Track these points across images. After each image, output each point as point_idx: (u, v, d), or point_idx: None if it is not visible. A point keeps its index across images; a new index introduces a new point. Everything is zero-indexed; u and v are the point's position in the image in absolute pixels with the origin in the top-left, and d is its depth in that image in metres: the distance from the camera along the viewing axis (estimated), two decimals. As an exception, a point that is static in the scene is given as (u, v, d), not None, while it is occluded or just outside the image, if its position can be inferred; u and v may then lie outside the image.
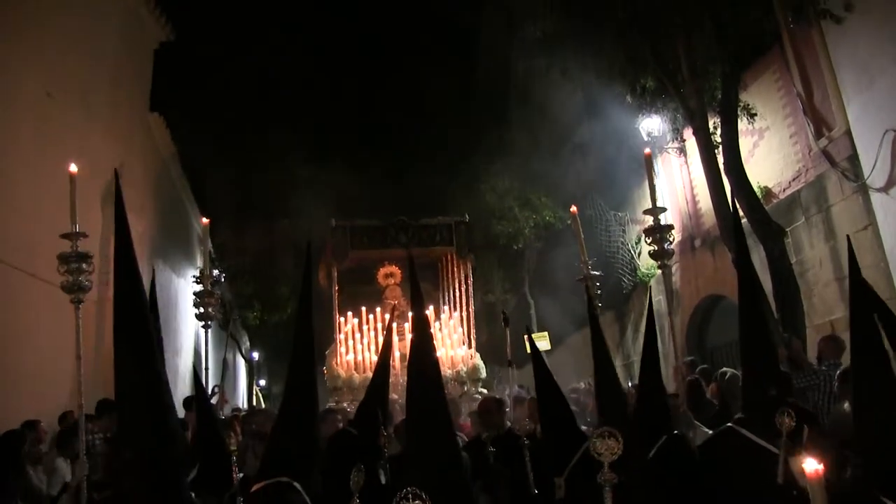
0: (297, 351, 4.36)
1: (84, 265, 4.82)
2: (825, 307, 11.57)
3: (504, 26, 13.01)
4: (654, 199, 5.85)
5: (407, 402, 4.48)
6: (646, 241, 5.87)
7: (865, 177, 10.51)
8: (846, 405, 6.15)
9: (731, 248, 10.45)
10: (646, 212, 5.69)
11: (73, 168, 5.02)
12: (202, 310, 6.65)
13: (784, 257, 10.20)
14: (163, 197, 17.94)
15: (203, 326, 6.68)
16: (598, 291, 6.36)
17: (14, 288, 10.71)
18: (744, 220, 10.73)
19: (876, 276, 10.48)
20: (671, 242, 5.83)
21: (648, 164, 6.24)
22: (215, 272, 21.02)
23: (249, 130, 21.27)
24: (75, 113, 13.02)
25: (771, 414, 4.13)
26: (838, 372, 7.13)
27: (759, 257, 10.63)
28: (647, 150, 6.31)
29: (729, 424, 4.69)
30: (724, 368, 8.76)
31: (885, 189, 10.20)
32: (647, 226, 5.84)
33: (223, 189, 20.87)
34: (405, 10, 19.30)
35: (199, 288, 6.78)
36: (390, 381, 12.08)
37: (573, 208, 6.86)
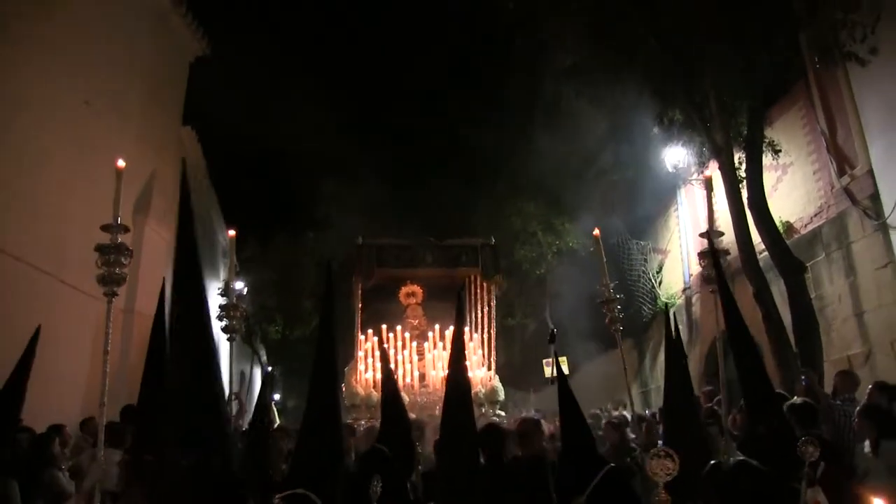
0: (320, 367, 4.48)
1: (122, 258, 4.68)
2: (843, 342, 11.63)
3: (535, 53, 13.13)
4: (711, 222, 5.76)
5: (442, 424, 4.70)
6: (700, 264, 5.78)
7: (886, 215, 10.59)
8: (867, 445, 6.20)
9: (752, 281, 10.57)
10: (702, 235, 5.61)
11: (121, 163, 4.91)
12: (226, 322, 6.55)
13: (804, 292, 10.27)
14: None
15: (228, 339, 6.58)
16: (620, 315, 6.23)
17: (41, 292, 10.97)
18: (765, 255, 10.86)
19: (894, 314, 10.56)
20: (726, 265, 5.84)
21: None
22: (239, 284, 21.38)
23: (280, 146, 21.56)
24: (111, 123, 13.36)
25: (784, 445, 4.18)
26: (857, 409, 7.18)
27: (779, 291, 10.75)
28: (596, 231, 6.50)
29: (742, 458, 4.51)
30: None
31: (904, 228, 10.30)
32: (701, 249, 5.67)
33: (250, 202, 21.17)
34: (438, 35, 19.62)
35: (223, 300, 6.85)
36: (408, 400, 12.24)
37: (596, 231, 6.73)
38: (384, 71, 21.59)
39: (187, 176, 4.57)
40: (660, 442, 6.79)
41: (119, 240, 4.72)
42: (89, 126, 12.59)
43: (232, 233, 7.64)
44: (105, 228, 4.71)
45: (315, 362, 4.51)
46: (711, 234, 5.51)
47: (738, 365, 4.70)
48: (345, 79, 21.54)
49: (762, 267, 10.80)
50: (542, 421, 9.77)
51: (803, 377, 8.37)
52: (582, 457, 5.27)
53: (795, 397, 8.39)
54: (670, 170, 14.32)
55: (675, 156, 14.02)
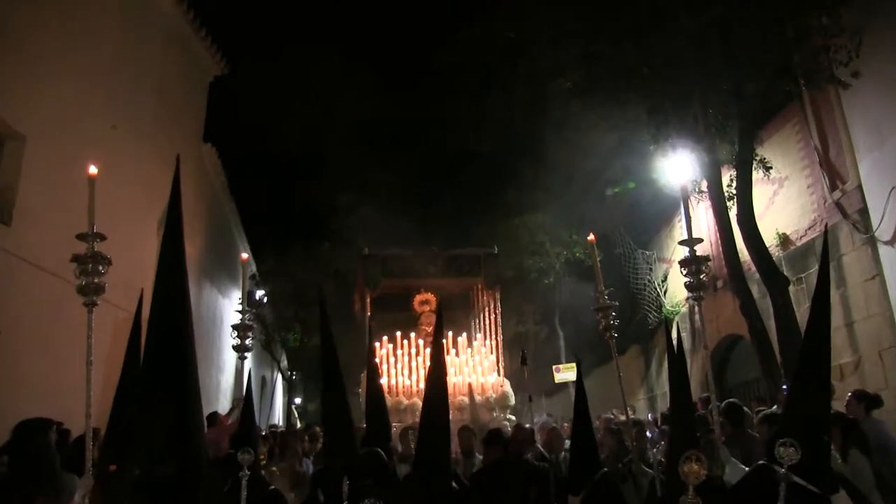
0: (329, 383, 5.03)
1: (100, 267, 4.54)
2: (834, 351, 11.98)
3: (537, 76, 13.70)
4: (690, 231, 5.67)
5: (419, 433, 4.95)
6: (681, 272, 5.70)
7: (874, 229, 11.08)
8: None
9: (738, 294, 11.11)
10: (681, 242, 5.56)
11: (93, 170, 4.70)
12: (239, 341, 6.47)
13: (788, 306, 10.71)
14: (213, 222, 18.97)
15: (239, 357, 6.53)
16: (614, 322, 6.17)
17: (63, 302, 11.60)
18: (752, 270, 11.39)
19: (881, 325, 11.05)
20: (707, 275, 5.73)
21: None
22: (259, 292, 22.10)
23: (295, 160, 22.29)
24: (135, 144, 13.99)
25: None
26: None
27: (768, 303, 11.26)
28: (591, 237, 6.67)
29: (762, 462, 4.61)
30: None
31: (891, 242, 10.77)
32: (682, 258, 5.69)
33: (269, 216, 21.87)
34: (448, 50, 20.16)
35: (236, 321, 6.84)
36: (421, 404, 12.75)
37: (591, 237, 6.82)
38: (394, 87, 22.18)
39: (179, 174, 4.30)
40: (654, 449, 7.23)
41: (96, 248, 4.56)
42: (115, 149, 13.23)
43: (245, 256, 8.03)
44: (81, 237, 4.59)
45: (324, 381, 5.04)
46: (691, 241, 5.41)
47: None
48: (357, 95, 22.09)
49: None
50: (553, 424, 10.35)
51: (784, 386, 8.86)
52: (584, 458, 5.79)
53: (775, 406, 8.96)
54: (672, 183, 14.78)
55: (677, 170, 14.52)
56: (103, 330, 11.66)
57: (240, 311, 6.82)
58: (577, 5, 11.16)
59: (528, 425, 10.52)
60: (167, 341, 3.73)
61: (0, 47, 10.27)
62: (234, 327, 6.30)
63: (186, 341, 3.77)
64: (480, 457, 8.13)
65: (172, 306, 3.79)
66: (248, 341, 6.42)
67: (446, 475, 4.88)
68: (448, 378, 13.77)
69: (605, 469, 5.99)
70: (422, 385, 13.78)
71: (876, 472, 6.86)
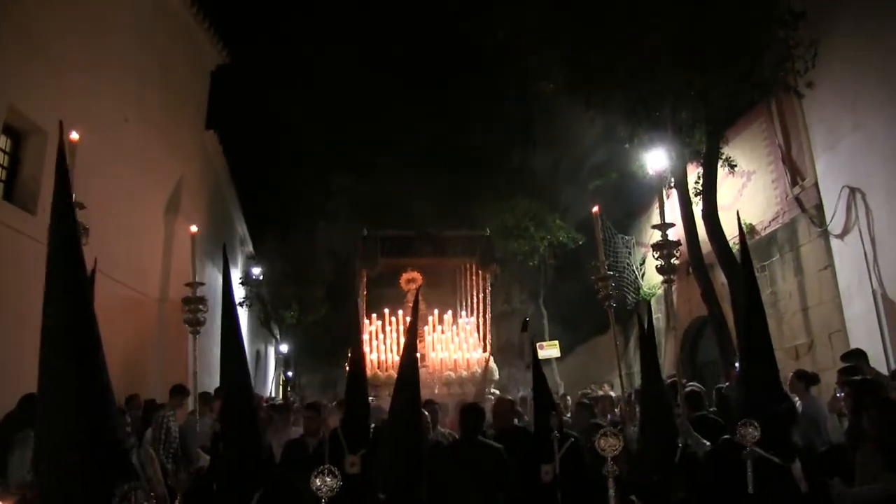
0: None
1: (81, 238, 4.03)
2: (792, 333, 13.18)
3: (524, 74, 14.55)
4: (662, 216, 6.09)
5: (391, 407, 5.43)
6: (653, 256, 6.02)
7: (827, 224, 12.08)
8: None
9: (699, 283, 12.18)
10: (654, 226, 5.92)
11: (75, 135, 4.79)
12: (191, 315, 6.20)
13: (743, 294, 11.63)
14: (214, 206, 19.85)
15: (191, 332, 6.18)
16: (612, 293, 6.37)
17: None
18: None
19: (832, 311, 12.10)
20: (678, 258, 6.06)
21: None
22: (255, 270, 23.00)
23: (294, 144, 23.08)
24: (144, 135, 14.83)
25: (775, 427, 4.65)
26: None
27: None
28: (595, 209, 6.89)
29: (726, 437, 5.07)
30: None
31: (841, 236, 11.78)
32: (654, 241, 6.04)
33: (267, 199, 22.74)
34: (442, 42, 20.97)
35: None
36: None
37: (595, 208, 6.88)
38: (390, 75, 22.95)
39: (64, 152, 3.76)
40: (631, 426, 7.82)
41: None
42: (126, 140, 14.08)
43: (194, 229, 7.21)
44: None
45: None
46: (664, 225, 5.96)
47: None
48: (354, 81, 22.90)
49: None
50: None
51: (736, 365, 9.87)
52: (547, 431, 6.19)
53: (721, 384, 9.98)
54: (651, 173, 15.65)
55: (654, 160, 15.43)
56: (111, 306, 12.57)
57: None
58: (560, 11, 11.96)
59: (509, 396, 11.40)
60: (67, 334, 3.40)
61: (24, 50, 11.09)
62: (185, 301, 6.27)
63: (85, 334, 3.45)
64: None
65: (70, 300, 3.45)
66: (198, 316, 6.20)
67: (417, 431, 5.47)
68: (436, 354, 14.73)
69: (573, 438, 6.45)
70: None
71: (809, 440, 7.93)
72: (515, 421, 8.30)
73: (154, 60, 15.55)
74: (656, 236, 6.01)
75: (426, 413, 7.52)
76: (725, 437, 5.11)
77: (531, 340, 16.55)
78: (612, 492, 4.26)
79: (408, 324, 6.48)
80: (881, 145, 10.80)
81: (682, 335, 17.22)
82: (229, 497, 4.83)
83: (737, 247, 12.81)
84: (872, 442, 5.05)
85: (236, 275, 22.48)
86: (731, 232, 12.69)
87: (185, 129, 17.39)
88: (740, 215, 8.07)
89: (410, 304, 16.05)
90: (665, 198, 7.92)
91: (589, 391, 14.13)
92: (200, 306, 6.01)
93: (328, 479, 3.47)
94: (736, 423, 4.66)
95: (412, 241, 16.24)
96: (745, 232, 14.27)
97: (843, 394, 7.41)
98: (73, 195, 4.17)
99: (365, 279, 15.94)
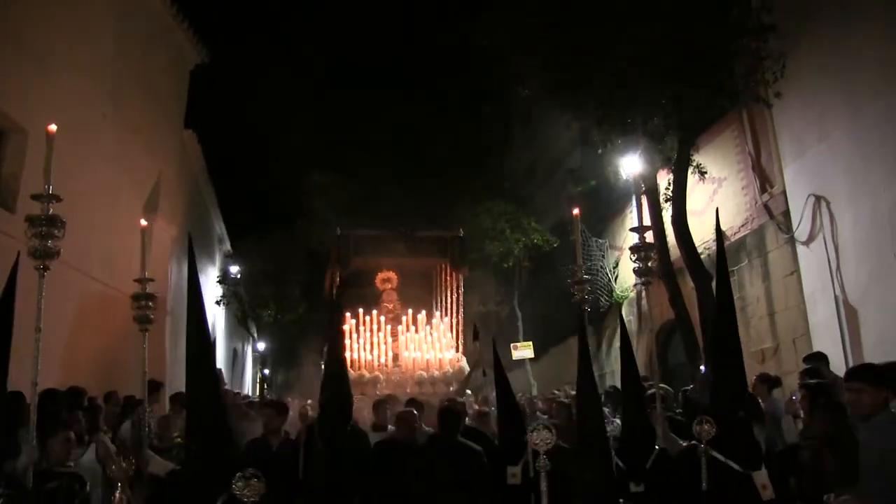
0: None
1: (55, 231, 4.46)
2: (759, 337, 13.48)
3: (506, 79, 14.75)
4: (640, 220, 6.19)
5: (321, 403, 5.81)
6: (631, 258, 6.09)
7: (794, 231, 12.39)
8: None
9: (667, 288, 12.44)
10: (632, 229, 5.95)
11: (53, 127, 4.67)
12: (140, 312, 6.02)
13: (710, 298, 11.67)
14: (192, 205, 19.92)
15: (140, 330, 6.04)
16: (588, 297, 6.37)
17: (69, 283, 12.50)
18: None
19: (796, 316, 12.42)
20: (654, 261, 6.16)
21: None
22: (234, 269, 23.12)
23: (271, 144, 23.20)
24: (122, 133, 14.85)
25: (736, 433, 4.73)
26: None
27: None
28: (576, 211, 6.97)
29: (693, 442, 4.99)
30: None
31: (807, 243, 12.09)
32: (631, 244, 6.11)
33: (246, 198, 22.87)
34: (419, 40, 21.20)
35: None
36: (383, 378, 13.71)
37: (576, 211, 6.93)
38: (369, 76, 23.19)
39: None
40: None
41: (51, 211, 4.45)
42: (105, 139, 14.09)
43: (144, 223, 7.30)
44: (35, 197, 4.46)
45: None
46: (641, 228, 6.03)
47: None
48: (333, 81, 23.08)
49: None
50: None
51: (703, 368, 10.16)
52: (515, 431, 6.44)
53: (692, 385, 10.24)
54: (625, 178, 15.89)
55: (629, 165, 15.70)
56: (79, 299, 12.60)
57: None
58: (538, 17, 12.18)
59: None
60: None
61: (4, 47, 11.11)
62: (133, 297, 6.07)
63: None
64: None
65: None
66: (147, 313, 6.03)
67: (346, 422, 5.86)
68: (409, 353, 14.84)
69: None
70: (383, 360, 14.66)
71: (771, 440, 8.24)
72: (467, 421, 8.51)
73: (133, 60, 15.56)
74: (631, 239, 6.10)
75: (415, 412, 7.76)
76: (693, 442, 5.03)
77: (492, 349, 16.71)
78: (544, 487, 4.27)
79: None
80: (845, 156, 11.10)
81: (654, 337, 17.47)
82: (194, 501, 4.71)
83: (705, 252, 13.15)
84: (822, 442, 5.31)
85: (214, 273, 22.61)
86: (699, 238, 13.02)
87: (163, 128, 17.44)
88: (711, 221, 8.28)
89: (385, 304, 16.26)
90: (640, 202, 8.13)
91: (557, 392, 14.28)
92: (150, 303, 5.92)
93: (253, 482, 3.37)
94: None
95: (385, 241, 16.44)
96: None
97: (798, 396, 7.68)
98: (51, 187, 4.56)
99: (338, 279, 16.05)
